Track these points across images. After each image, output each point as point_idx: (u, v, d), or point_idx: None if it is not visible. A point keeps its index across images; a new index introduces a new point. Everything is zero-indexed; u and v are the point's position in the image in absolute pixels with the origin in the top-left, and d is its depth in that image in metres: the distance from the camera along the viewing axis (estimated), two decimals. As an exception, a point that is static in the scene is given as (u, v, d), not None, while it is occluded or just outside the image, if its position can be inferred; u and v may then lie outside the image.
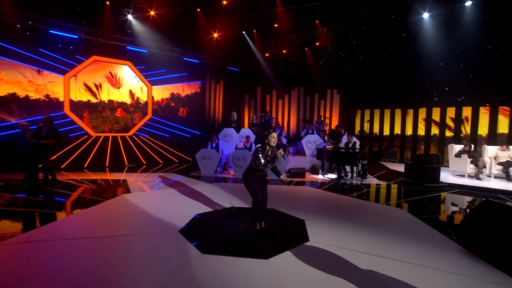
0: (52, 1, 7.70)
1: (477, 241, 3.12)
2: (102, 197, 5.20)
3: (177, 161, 10.61)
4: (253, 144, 8.68)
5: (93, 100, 9.21)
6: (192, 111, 11.65)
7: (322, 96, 12.83)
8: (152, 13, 8.98)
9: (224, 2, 9.16)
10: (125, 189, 5.88)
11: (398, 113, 11.36)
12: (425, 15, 9.25)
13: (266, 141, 3.45)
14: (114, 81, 9.58)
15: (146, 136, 10.33)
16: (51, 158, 6.37)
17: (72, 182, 6.48)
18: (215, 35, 10.84)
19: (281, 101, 13.38)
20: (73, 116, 8.84)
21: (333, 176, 7.89)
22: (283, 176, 3.55)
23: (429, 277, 2.58)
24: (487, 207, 3.19)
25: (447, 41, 9.26)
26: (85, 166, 8.77)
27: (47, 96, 8.36)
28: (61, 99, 8.61)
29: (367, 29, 10.41)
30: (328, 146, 8.00)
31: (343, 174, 7.56)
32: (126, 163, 9.57)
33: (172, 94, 11.13)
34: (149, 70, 10.32)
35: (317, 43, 11.58)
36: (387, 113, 11.68)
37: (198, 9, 9.39)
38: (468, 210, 5.17)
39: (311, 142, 9.12)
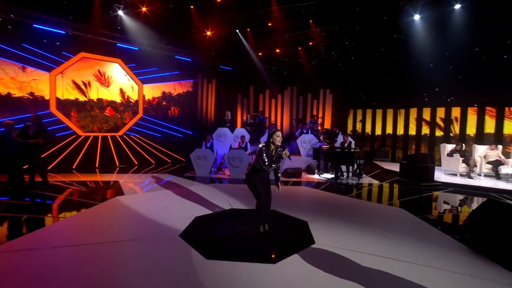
0: (36, -6, 7.34)
1: (481, 240, 3.14)
2: (94, 200, 4.96)
3: (169, 161, 10.36)
4: (248, 144, 8.58)
5: (82, 98, 8.84)
6: (184, 111, 11.41)
7: (315, 96, 12.86)
8: (143, 9, 8.70)
9: (218, 0, 8.99)
10: (118, 191, 5.64)
11: (390, 113, 11.52)
12: (416, 17, 9.39)
13: (271, 140, 3.35)
14: (103, 79, 9.23)
15: (137, 136, 10.02)
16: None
17: (61, 184, 6.17)
18: (208, 33, 10.65)
19: (274, 101, 13.33)
20: (59, 115, 8.45)
21: (329, 176, 7.89)
22: (276, 186, 3.64)
23: (438, 278, 2.56)
24: (490, 206, 3.22)
25: (438, 43, 9.45)
26: (74, 167, 8.40)
27: (32, 94, 7.95)
28: (47, 97, 8.21)
29: (360, 30, 10.49)
30: (324, 146, 7.99)
31: (339, 174, 7.57)
32: (117, 164, 9.25)
33: (164, 93, 10.86)
34: (140, 68, 10.02)
35: (310, 43, 11.58)
36: (379, 113, 11.83)
37: (192, 6, 9.18)
38: (462, 209, 5.26)
39: (306, 142, 9.10)
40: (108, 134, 9.39)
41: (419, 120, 10.77)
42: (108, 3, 8.32)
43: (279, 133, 3.37)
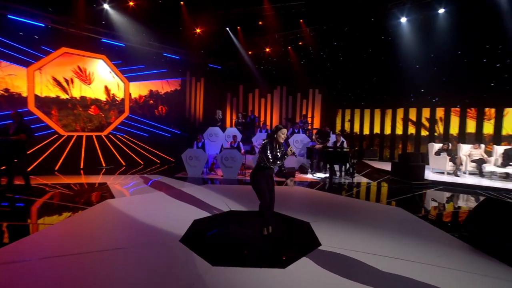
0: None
1: (482, 238, 3.21)
2: (82, 203, 4.66)
3: (158, 161, 10.02)
4: (240, 143, 8.45)
5: (63, 96, 8.33)
6: (171, 109, 11.09)
7: (304, 96, 12.93)
8: (131, 3, 8.33)
9: (209, -4, 8.80)
10: (107, 194, 5.34)
11: (377, 113, 11.77)
12: (403, 20, 9.64)
13: (275, 137, 3.27)
14: (84, 76, 8.75)
15: (124, 135, 9.61)
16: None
17: (43, 187, 5.76)
18: (198, 30, 10.40)
19: (263, 100, 13.27)
20: (39, 113, 7.92)
21: (322, 175, 7.93)
22: (290, 181, 3.48)
23: (446, 277, 2.57)
24: (488, 204, 3.30)
25: (423, 46, 9.76)
26: (56, 168, 7.91)
27: (7, 90, 7.40)
28: (24, 94, 7.67)
29: (348, 31, 10.64)
30: (317, 146, 8.01)
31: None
32: (104, 165, 8.82)
33: (151, 91, 10.49)
34: (126, 65, 9.60)
35: (300, 43, 11.62)
36: (367, 112, 12.06)
37: (182, 2, 8.91)
38: (456, 206, 5.42)
39: (298, 141, 9.10)
40: (93, 134, 8.93)
41: (406, 120, 11.08)
42: (93, -5, 7.92)
43: (284, 131, 3.29)
